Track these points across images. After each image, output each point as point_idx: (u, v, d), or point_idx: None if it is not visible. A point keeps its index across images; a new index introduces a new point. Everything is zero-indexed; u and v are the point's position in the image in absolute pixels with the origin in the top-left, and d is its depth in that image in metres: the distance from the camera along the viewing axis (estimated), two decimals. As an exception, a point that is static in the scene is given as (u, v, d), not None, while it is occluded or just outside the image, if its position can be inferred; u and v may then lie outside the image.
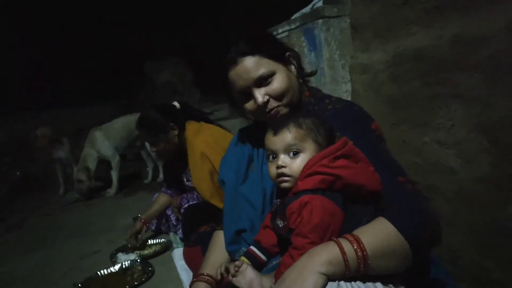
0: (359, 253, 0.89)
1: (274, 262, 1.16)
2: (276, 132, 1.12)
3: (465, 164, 1.50)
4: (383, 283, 0.93)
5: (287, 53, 1.34)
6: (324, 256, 0.89)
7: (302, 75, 1.40)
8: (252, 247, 1.20)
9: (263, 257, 1.17)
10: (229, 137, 2.40)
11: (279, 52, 1.32)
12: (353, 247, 0.90)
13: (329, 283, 0.88)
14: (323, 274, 0.87)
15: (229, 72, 1.28)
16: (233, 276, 1.06)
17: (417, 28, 1.63)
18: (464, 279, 1.56)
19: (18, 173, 6.17)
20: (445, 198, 1.59)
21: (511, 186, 1.35)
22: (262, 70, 1.24)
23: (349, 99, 2.14)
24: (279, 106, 1.27)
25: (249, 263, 1.13)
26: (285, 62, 1.32)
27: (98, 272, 2.23)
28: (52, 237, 3.40)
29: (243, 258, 1.17)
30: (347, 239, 0.91)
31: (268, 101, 1.25)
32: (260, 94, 1.25)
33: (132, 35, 8.47)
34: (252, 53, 1.25)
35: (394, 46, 1.74)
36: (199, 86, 8.03)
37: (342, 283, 0.88)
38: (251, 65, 1.24)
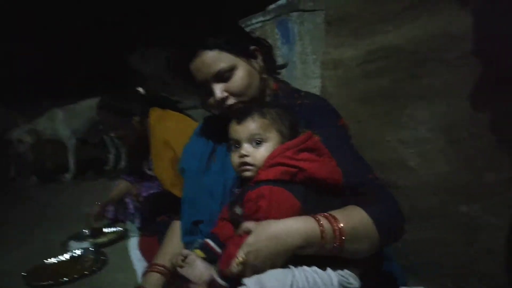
0: (336, 229, 0.89)
1: (229, 255, 1.12)
2: (240, 121, 1.10)
3: (424, 163, 1.54)
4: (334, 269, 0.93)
5: (252, 47, 1.29)
6: (302, 230, 0.88)
7: (272, 68, 1.36)
8: (208, 240, 1.16)
9: (218, 250, 1.13)
10: (195, 126, 2.34)
11: (242, 46, 1.27)
12: (331, 223, 0.89)
13: (284, 270, 0.88)
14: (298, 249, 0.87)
15: (189, 64, 1.23)
16: (179, 266, 1.03)
17: (391, 26, 1.64)
18: (417, 273, 1.59)
19: None
20: (404, 195, 1.62)
21: (465, 185, 1.40)
22: (221, 65, 1.19)
23: (318, 94, 2.13)
24: (238, 103, 1.23)
25: (204, 255, 1.09)
26: (249, 56, 1.27)
27: (47, 261, 2.12)
28: (1, 222, 3.23)
29: (198, 251, 1.13)
30: (323, 216, 0.91)
31: (227, 97, 1.22)
32: (218, 90, 1.21)
33: (119, 26, 8.22)
34: (212, 46, 1.20)
35: (367, 43, 1.74)
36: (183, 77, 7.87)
37: (296, 270, 0.88)
38: (210, 59, 1.20)
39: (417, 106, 1.53)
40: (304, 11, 2.21)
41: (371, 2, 1.73)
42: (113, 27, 7.90)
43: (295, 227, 0.89)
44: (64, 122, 4.58)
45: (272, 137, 1.08)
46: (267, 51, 1.35)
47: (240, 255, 0.88)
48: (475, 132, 1.34)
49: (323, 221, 0.90)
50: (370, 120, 1.74)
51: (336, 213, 0.93)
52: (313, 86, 2.20)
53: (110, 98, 2.42)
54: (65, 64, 7.83)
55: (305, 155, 1.00)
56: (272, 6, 2.47)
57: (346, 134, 1.22)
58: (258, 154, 1.07)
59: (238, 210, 1.06)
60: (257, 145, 1.08)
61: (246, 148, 1.08)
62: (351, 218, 0.93)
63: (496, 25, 1.25)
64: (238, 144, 1.11)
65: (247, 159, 1.07)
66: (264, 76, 1.31)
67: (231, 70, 1.21)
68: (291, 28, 2.23)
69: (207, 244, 1.14)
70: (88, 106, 4.63)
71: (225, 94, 1.21)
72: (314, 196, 0.99)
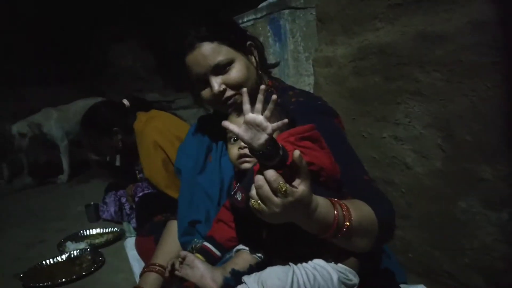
0: (347, 219, 0.87)
1: (227, 256, 1.14)
2: (240, 114, 1.09)
3: (420, 159, 1.54)
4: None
5: (248, 42, 1.30)
6: (323, 208, 0.85)
7: (264, 66, 1.37)
8: (206, 243, 1.17)
9: (217, 252, 1.15)
10: (181, 125, 2.35)
11: (240, 41, 1.28)
12: (344, 212, 0.88)
13: (284, 268, 0.88)
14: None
15: (186, 57, 1.22)
16: (177, 269, 1.03)
17: (382, 23, 1.63)
18: (416, 270, 1.60)
19: None
20: (400, 192, 1.63)
21: (462, 180, 1.39)
22: (220, 58, 1.19)
23: (312, 92, 2.14)
24: (235, 95, 1.23)
25: (203, 259, 1.10)
26: (245, 51, 1.28)
27: (44, 262, 2.12)
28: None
29: (197, 255, 1.14)
30: (338, 203, 0.89)
31: (224, 90, 1.21)
32: (216, 83, 1.20)
33: (98, 17, 8.13)
34: (211, 39, 1.20)
35: (359, 40, 1.74)
36: (161, 73, 7.84)
37: (295, 268, 0.88)
38: (209, 51, 1.19)
39: (411, 102, 1.53)
40: (295, 8, 2.22)
41: (360, 0, 1.72)
42: (78, 8, 7.78)
43: (320, 202, 0.85)
44: (58, 123, 4.55)
45: None
46: (260, 49, 1.36)
47: (284, 187, 0.77)
48: (471, 128, 1.34)
49: (338, 208, 0.88)
50: (364, 117, 1.74)
51: (348, 203, 0.92)
52: (307, 83, 2.22)
53: (97, 113, 2.44)
54: (24, 45, 7.71)
55: (307, 143, 0.99)
56: (264, 4, 2.47)
57: (342, 133, 1.22)
58: None
59: (238, 196, 1.05)
60: None
61: None
62: (361, 212, 0.93)
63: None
64: (237, 136, 1.10)
65: (247, 151, 1.04)
66: (260, 72, 1.32)
67: (229, 63, 1.21)
68: (283, 25, 2.24)
69: (206, 248, 1.15)
70: (81, 107, 4.59)
71: (223, 86, 1.21)
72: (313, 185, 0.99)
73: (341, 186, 1.04)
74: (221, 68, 1.21)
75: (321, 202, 0.85)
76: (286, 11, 2.21)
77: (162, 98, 5.88)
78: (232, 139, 1.12)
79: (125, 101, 2.52)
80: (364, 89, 1.72)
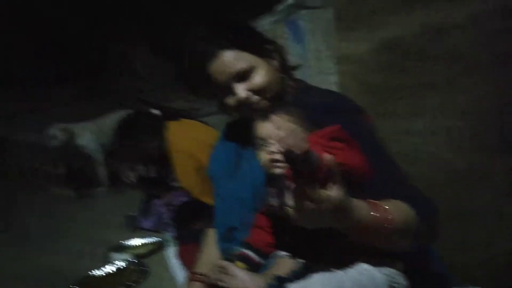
0: (385, 215, 0.87)
1: (269, 262, 1.14)
2: (266, 119, 1.12)
3: (431, 152, 1.52)
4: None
5: (268, 46, 1.31)
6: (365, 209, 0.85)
7: (286, 68, 1.37)
8: (245, 250, 1.18)
9: (257, 259, 1.16)
10: (210, 132, 2.39)
11: (259, 45, 1.29)
12: (381, 211, 0.88)
13: (329, 275, 0.88)
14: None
15: (207, 65, 1.23)
16: (218, 279, 1.06)
17: (399, 17, 1.62)
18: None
19: None
20: (432, 187, 1.59)
21: (470, 174, 1.40)
22: (241, 65, 1.20)
23: (336, 91, 2.12)
24: (260, 100, 1.24)
25: (245, 266, 1.12)
26: (265, 56, 1.29)
27: (92, 273, 2.21)
28: (41, 237, 3.30)
29: (238, 263, 1.15)
30: (375, 204, 0.89)
31: (249, 96, 1.23)
32: (241, 90, 1.22)
33: (98, 17, 8.11)
34: (230, 46, 1.21)
35: (379, 35, 1.72)
36: (161, 73, 7.56)
37: (341, 274, 0.88)
38: (230, 59, 1.20)
39: (433, 95, 1.51)
40: (313, 8, 2.21)
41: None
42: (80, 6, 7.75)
43: (358, 204, 0.84)
44: (93, 135, 4.64)
45: None
46: (280, 52, 1.36)
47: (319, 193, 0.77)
48: (484, 120, 1.32)
49: (377, 209, 0.87)
50: (388, 113, 1.72)
51: (385, 204, 0.91)
52: (331, 82, 2.20)
53: (134, 122, 2.49)
54: (25, 43, 7.71)
55: (336, 144, 0.99)
56: (281, 6, 2.48)
57: (371, 130, 1.21)
58: None
59: (272, 201, 1.06)
60: None
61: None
62: (400, 212, 0.92)
63: None
64: (266, 141, 1.12)
65: (277, 156, 1.07)
66: (282, 75, 1.32)
67: (251, 69, 1.22)
68: (302, 26, 2.23)
69: (245, 255, 1.17)
70: (114, 120, 4.68)
71: (248, 93, 1.22)
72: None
73: (375, 186, 1.02)
74: (244, 75, 1.22)
75: (359, 204, 0.85)
76: (304, 11, 2.21)
77: (188, 106, 5.89)
78: (261, 144, 1.13)
79: (155, 111, 2.57)
80: (386, 85, 1.71)
